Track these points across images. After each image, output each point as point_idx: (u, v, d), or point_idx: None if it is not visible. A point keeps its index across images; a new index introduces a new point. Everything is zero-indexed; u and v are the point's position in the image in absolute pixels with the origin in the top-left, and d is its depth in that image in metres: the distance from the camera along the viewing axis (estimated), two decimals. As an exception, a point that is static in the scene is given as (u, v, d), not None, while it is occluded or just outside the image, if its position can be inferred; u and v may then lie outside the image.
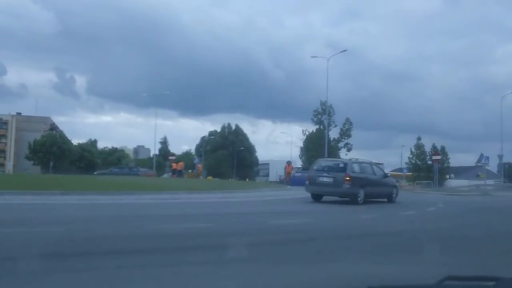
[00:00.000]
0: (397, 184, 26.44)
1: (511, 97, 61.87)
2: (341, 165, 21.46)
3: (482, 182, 50.23)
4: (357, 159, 24.48)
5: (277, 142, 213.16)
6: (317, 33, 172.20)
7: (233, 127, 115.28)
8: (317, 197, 21.53)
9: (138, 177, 44.78)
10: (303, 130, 79.85)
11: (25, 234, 8.39)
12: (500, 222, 15.69)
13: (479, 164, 51.92)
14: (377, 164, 27.25)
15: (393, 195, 22.85)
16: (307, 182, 21.76)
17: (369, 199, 20.98)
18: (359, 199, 20.15)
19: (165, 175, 60.66)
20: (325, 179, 20.83)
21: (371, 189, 21.33)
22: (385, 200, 22.39)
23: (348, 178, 20.16)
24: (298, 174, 43.79)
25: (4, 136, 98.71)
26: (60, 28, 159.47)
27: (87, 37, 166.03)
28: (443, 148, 72.32)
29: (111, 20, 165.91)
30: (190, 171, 60.61)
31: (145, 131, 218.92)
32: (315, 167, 22.30)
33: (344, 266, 3.52)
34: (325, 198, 21.56)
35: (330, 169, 21.36)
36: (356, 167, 21.50)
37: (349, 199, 20.29)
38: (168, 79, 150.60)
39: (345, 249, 7.75)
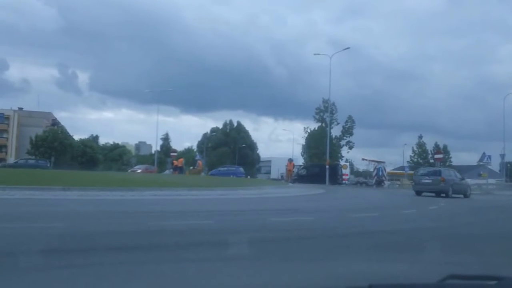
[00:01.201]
0: (470, 185, 34.66)
1: (514, 96, 61.47)
2: (437, 171, 31.22)
3: (484, 181, 50.18)
4: (445, 168, 34.33)
5: (279, 139, 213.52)
6: (320, 30, 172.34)
7: (235, 124, 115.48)
8: (419, 193, 29.82)
9: (48, 170, 44.70)
10: (305, 128, 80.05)
11: (26, 229, 8.39)
12: (502, 221, 15.67)
13: (481, 163, 51.86)
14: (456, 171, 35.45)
15: (468, 193, 31.25)
16: (413, 183, 32.35)
17: (454, 194, 29.02)
18: (449, 193, 28.66)
19: (167, 172, 60.73)
20: (426, 181, 29.88)
21: (456, 187, 29.74)
22: (462, 196, 30.12)
23: (442, 179, 29.06)
24: (224, 168, 60.31)
25: (6, 131, 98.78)
26: (63, 24, 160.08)
27: (89, 34, 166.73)
28: (445, 147, 72.58)
29: (114, 17, 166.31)
30: (191, 167, 60.54)
31: (146, 127, 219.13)
32: (418, 173, 32.71)
33: (345, 264, 3.50)
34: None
35: (429, 174, 30.78)
36: (446, 172, 30.99)
37: (444, 194, 28.52)
38: (170, 75, 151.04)
39: (346, 247, 7.74)
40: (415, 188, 30.86)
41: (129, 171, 61.07)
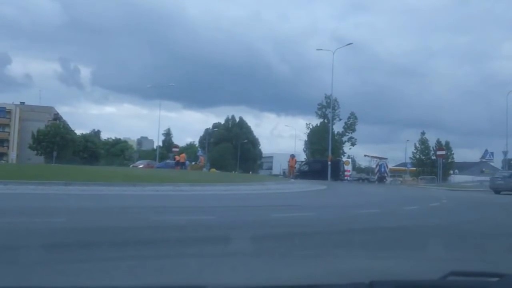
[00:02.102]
0: None
1: (517, 92, 61.11)
2: (510, 174, 37.34)
3: (486, 178, 50.03)
4: None
5: (281, 135, 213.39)
6: (323, 26, 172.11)
7: (237, 119, 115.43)
8: (497, 192, 34.84)
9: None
10: (307, 124, 79.74)
11: (27, 224, 8.40)
12: (504, 218, 15.66)
13: (483, 160, 51.79)
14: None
15: None
16: (490, 183, 37.90)
17: None
18: None
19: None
20: (499, 182, 36.04)
21: None
22: None
23: None
24: (168, 161, 59.13)
25: (8, 125, 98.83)
26: (66, 19, 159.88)
27: (92, 29, 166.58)
28: (447, 143, 72.08)
29: (117, 12, 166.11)
30: (193, 163, 60.54)
31: (149, 122, 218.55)
32: (495, 176, 38.86)
33: (346, 260, 3.51)
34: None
35: (503, 176, 37.04)
36: None
37: None
38: (173, 71, 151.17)
39: (348, 243, 7.73)
40: (492, 188, 36.56)
41: (131, 166, 61.10)
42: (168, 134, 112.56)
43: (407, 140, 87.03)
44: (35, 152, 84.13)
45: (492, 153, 48.81)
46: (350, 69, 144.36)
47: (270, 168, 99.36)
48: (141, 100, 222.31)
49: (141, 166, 57.30)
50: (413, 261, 3.56)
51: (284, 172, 67.80)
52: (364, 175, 65.21)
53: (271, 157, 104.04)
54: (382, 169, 55.78)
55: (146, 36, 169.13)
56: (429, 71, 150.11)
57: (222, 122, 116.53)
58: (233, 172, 75.55)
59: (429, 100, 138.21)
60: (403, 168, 74.80)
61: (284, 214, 12.26)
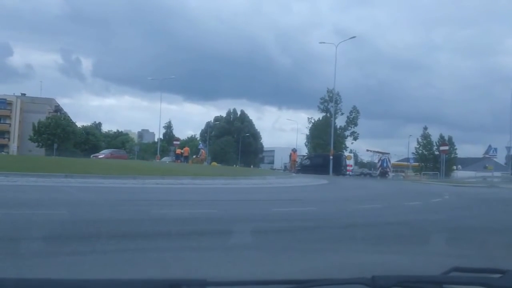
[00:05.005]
0: None
1: (520, 88, 61.00)
2: None
3: (489, 173, 49.91)
4: None
5: (283, 129, 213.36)
6: (325, 19, 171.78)
7: (239, 113, 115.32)
8: None
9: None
10: (308, 118, 79.66)
11: (28, 216, 8.41)
12: (506, 214, 15.62)
13: (486, 156, 51.63)
14: None
15: None
16: None
17: None
18: None
19: (165, 159, 60.66)
20: None
21: None
22: None
23: None
24: None
25: (9, 117, 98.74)
26: (67, 10, 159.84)
27: (94, 20, 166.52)
28: (450, 139, 71.96)
29: (118, 3, 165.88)
30: (194, 156, 60.51)
31: (149, 115, 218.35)
32: None
33: (348, 254, 3.48)
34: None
35: None
36: None
37: None
38: (174, 63, 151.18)
39: (349, 238, 7.72)
40: None
41: (91, 156, 56.04)
42: (169, 127, 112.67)
43: (410, 135, 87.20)
44: (36, 144, 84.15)
45: (495, 149, 48.63)
46: (352, 63, 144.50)
47: (272, 162, 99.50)
48: (141, 92, 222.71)
49: (101, 156, 52.33)
50: (415, 256, 3.54)
51: (285, 166, 67.84)
52: (366, 170, 65.20)
53: (273, 151, 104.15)
54: (384, 164, 55.77)
55: (147, 28, 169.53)
56: (432, 65, 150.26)
57: (224, 115, 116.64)
58: (234, 165, 75.54)
59: (432, 94, 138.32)
60: (406, 163, 74.82)
61: (285, 208, 12.26)
